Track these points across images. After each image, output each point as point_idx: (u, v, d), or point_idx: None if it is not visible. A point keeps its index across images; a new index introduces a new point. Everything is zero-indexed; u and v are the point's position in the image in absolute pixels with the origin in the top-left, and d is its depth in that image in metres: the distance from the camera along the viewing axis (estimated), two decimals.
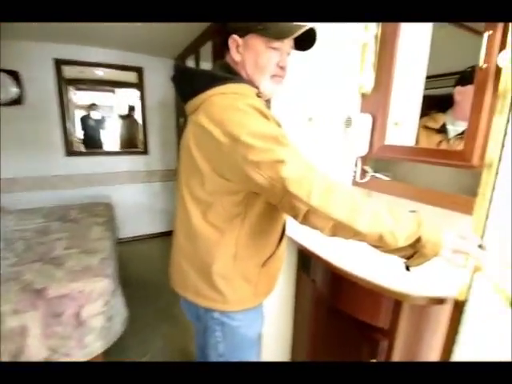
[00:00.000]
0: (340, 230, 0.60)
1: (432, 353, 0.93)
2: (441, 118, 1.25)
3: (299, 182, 0.58)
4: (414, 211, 1.17)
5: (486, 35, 0.82)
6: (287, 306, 1.44)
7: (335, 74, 1.29)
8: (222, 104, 0.68)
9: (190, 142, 0.74)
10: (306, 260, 1.23)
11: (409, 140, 1.27)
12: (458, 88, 1.19)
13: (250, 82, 0.76)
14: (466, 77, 1.17)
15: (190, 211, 0.76)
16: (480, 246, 0.62)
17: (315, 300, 1.19)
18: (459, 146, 1.17)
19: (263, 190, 0.63)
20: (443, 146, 1.21)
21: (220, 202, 0.72)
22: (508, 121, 0.62)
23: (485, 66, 0.84)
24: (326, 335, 1.15)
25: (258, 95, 0.75)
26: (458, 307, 0.70)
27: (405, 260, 0.64)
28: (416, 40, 1.19)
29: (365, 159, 1.36)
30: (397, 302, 0.87)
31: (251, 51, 0.73)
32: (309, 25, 0.71)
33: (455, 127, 1.21)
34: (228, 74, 0.75)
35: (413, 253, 0.61)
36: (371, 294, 0.89)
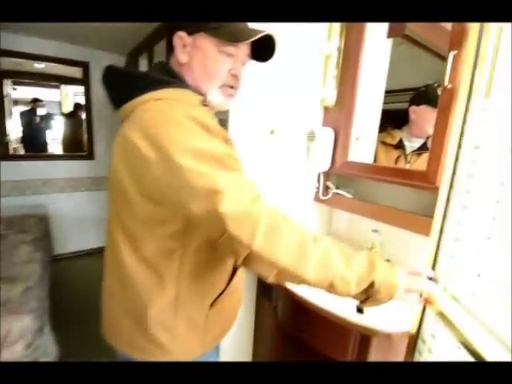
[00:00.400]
0: (286, 277, 0.54)
1: None
2: (397, 135, 1.26)
3: (240, 220, 0.48)
4: (376, 231, 1.16)
5: (451, 54, 0.79)
6: (245, 336, 1.33)
7: (298, 85, 1.22)
8: (155, 112, 0.57)
9: (115, 159, 0.61)
10: (267, 286, 1.13)
11: (369, 155, 1.25)
12: (413, 107, 1.19)
13: (195, 89, 0.64)
14: (419, 96, 1.19)
15: (120, 245, 0.63)
16: (431, 279, 0.60)
17: (276, 330, 1.09)
18: (416, 161, 1.18)
19: (198, 221, 0.53)
20: (401, 162, 1.22)
21: (151, 234, 0.60)
22: (461, 137, 0.59)
23: (449, 86, 0.81)
24: None
25: (204, 104, 0.64)
26: (411, 341, 0.67)
27: (358, 302, 0.59)
28: (376, 54, 1.17)
29: (327, 175, 1.31)
30: (364, 336, 0.81)
31: (200, 53, 0.63)
32: (267, 32, 0.62)
33: (411, 143, 1.22)
34: (169, 77, 0.63)
35: (366, 297, 0.56)
36: (336, 327, 0.82)
